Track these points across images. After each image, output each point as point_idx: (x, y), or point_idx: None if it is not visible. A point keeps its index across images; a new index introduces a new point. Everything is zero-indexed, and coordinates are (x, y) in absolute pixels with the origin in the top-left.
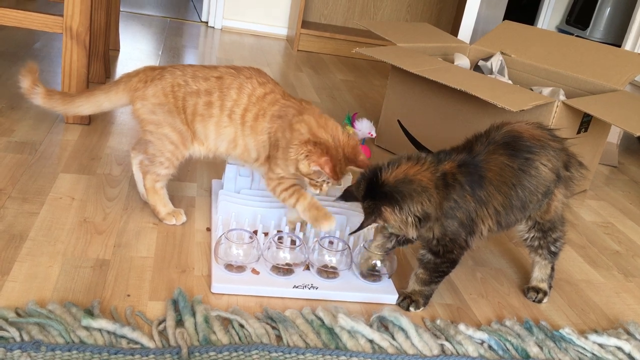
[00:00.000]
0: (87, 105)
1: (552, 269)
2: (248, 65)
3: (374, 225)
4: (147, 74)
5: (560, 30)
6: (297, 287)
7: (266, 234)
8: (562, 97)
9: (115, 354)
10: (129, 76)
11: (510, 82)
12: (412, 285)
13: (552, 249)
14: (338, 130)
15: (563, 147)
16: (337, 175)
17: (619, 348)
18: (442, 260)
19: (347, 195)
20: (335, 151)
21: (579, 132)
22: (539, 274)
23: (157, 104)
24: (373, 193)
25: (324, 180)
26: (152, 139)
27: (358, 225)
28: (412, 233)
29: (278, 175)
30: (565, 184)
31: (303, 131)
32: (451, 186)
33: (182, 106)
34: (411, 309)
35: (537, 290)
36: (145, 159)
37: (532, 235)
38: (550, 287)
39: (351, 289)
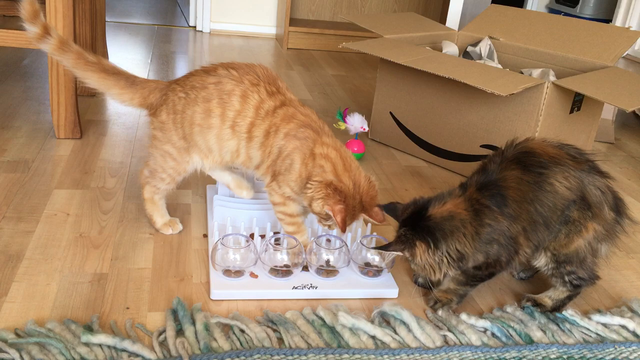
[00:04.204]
0: (95, 83)
1: (569, 297)
2: (247, 63)
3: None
4: (156, 95)
5: (551, 10)
6: (296, 287)
7: (263, 237)
8: (552, 78)
9: None
10: (143, 88)
11: (499, 66)
12: (447, 284)
13: (567, 279)
14: (361, 175)
15: (604, 182)
16: (345, 227)
17: (623, 326)
18: (482, 272)
19: (390, 208)
20: (353, 199)
21: (571, 112)
22: (551, 293)
23: (162, 122)
24: (415, 223)
25: (329, 224)
26: (155, 154)
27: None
28: (438, 275)
29: (284, 194)
30: (606, 226)
31: (327, 169)
32: (480, 211)
33: (180, 120)
34: (440, 312)
35: (535, 302)
36: (146, 170)
37: (548, 266)
38: (558, 308)
39: (351, 286)
